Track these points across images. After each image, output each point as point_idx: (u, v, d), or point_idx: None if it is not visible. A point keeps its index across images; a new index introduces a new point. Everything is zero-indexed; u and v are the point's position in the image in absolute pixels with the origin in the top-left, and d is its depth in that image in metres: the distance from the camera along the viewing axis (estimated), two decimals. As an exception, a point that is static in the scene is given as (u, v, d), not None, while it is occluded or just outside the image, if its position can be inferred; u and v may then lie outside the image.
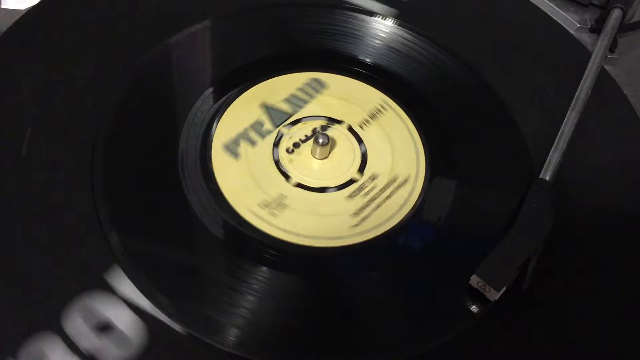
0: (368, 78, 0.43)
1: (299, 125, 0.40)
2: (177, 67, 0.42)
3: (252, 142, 0.39)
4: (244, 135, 0.39)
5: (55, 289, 0.31)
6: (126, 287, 0.32)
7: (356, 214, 0.36)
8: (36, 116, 0.37)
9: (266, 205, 0.36)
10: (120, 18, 0.44)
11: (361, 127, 0.40)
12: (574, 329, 0.33)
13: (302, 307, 0.32)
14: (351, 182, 0.38)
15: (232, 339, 0.31)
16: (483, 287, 0.32)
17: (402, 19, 0.46)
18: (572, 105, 0.42)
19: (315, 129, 0.40)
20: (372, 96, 0.42)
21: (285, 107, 0.41)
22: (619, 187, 0.39)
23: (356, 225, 0.36)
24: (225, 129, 0.39)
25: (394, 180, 0.38)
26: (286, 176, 0.38)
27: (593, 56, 0.44)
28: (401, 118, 0.41)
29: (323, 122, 0.40)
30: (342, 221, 0.36)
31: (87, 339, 0.30)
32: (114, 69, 0.40)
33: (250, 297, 0.32)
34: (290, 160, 0.38)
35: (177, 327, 0.31)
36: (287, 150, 0.39)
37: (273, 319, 0.32)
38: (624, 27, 0.48)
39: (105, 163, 0.36)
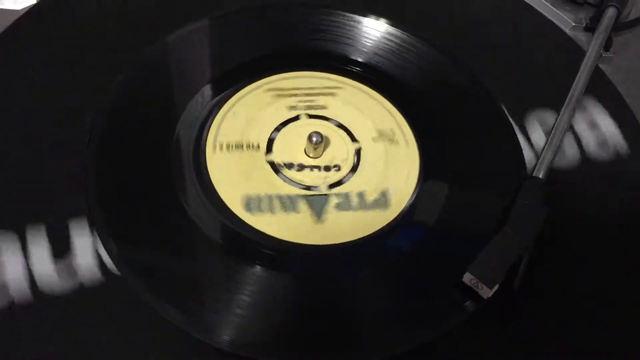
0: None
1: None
2: (179, 64, 0.43)
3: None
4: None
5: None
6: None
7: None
8: (33, 114, 0.39)
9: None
10: (117, 17, 0.45)
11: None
12: (567, 326, 0.34)
13: (290, 304, 0.34)
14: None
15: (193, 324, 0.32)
16: (476, 284, 0.33)
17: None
18: (565, 103, 0.42)
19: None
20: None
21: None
22: (613, 186, 0.40)
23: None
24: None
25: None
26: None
27: (587, 55, 0.45)
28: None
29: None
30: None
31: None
32: (110, 69, 0.41)
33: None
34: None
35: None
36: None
37: (251, 313, 0.33)
38: (619, 26, 0.48)
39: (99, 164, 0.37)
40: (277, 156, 0.39)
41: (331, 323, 0.33)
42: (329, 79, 0.43)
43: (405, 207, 0.38)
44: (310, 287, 0.34)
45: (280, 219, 0.36)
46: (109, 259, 0.33)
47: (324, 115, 0.41)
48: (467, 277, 0.33)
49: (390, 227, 0.37)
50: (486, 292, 0.33)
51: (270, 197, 0.37)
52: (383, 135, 0.41)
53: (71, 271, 0.32)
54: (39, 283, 0.32)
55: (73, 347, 0.31)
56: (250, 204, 0.37)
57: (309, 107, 0.42)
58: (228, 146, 0.39)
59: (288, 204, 0.37)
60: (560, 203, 0.38)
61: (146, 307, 0.32)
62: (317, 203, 0.37)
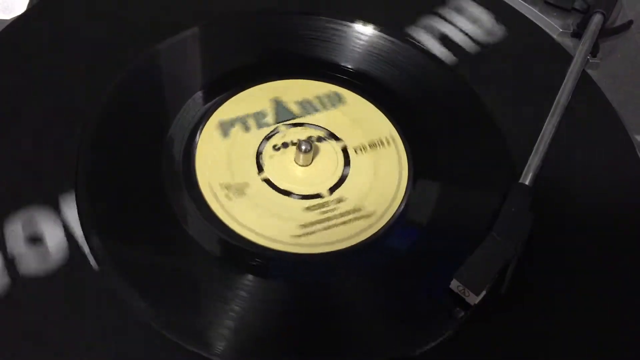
0: (384, 106, 0.43)
1: (299, 128, 0.41)
2: (172, 68, 0.44)
3: (247, 128, 0.41)
4: (242, 120, 0.41)
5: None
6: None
7: (304, 226, 0.37)
8: (23, 119, 0.39)
9: (227, 187, 0.38)
10: (107, 26, 0.44)
11: (356, 151, 0.41)
12: (555, 332, 0.34)
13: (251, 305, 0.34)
14: (317, 196, 0.38)
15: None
16: (463, 291, 0.33)
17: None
18: (552, 109, 0.42)
19: (310, 137, 0.41)
20: (383, 127, 0.42)
21: (295, 108, 0.42)
22: (601, 191, 0.40)
23: (299, 236, 0.36)
24: (229, 108, 0.41)
25: (357, 210, 0.38)
26: (260, 169, 0.39)
27: (574, 61, 0.45)
28: (399, 154, 0.41)
29: (322, 133, 0.41)
30: (288, 228, 0.37)
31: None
32: (99, 77, 0.41)
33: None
34: (271, 156, 0.40)
35: (93, 263, 0.33)
36: (274, 147, 0.40)
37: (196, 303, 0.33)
38: (605, 32, 0.49)
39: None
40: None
41: (315, 331, 0.33)
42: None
43: (393, 216, 0.38)
44: (291, 294, 0.34)
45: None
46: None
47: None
48: (454, 284, 0.33)
49: (375, 238, 0.37)
50: (473, 299, 0.33)
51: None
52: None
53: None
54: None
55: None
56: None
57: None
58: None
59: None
60: (548, 209, 0.38)
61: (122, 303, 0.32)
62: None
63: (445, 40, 0.46)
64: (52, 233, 0.34)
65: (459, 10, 0.49)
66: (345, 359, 0.33)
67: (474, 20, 0.48)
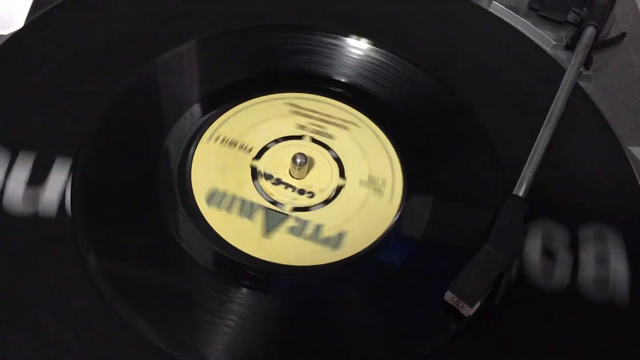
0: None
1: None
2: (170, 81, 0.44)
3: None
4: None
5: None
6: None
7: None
8: (22, 131, 0.39)
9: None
10: (104, 41, 0.45)
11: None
12: (550, 343, 0.34)
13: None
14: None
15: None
16: (457, 302, 0.34)
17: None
18: (545, 121, 0.42)
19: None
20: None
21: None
22: (594, 202, 0.40)
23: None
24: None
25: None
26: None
27: (567, 73, 0.45)
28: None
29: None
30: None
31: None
32: (98, 91, 0.41)
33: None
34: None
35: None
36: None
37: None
38: (598, 44, 0.49)
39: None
40: (262, 164, 0.40)
41: (310, 345, 0.33)
42: (347, 111, 0.44)
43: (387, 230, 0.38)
44: (286, 308, 0.35)
45: (232, 220, 0.37)
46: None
47: (326, 143, 0.42)
48: (449, 296, 0.34)
49: (331, 268, 0.36)
50: (467, 310, 0.33)
51: (233, 198, 0.38)
52: (372, 182, 0.41)
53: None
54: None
55: None
56: (214, 197, 0.38)
57: (317, 132, 0.42)
58: (223, 140, 0.41)
59: (247, 209, 0.38)
60: (542, 220, 0.38)
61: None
62: (273, 219, 0.38)
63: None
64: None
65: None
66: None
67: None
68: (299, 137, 0.42)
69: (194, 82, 0.44)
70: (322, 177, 0.40)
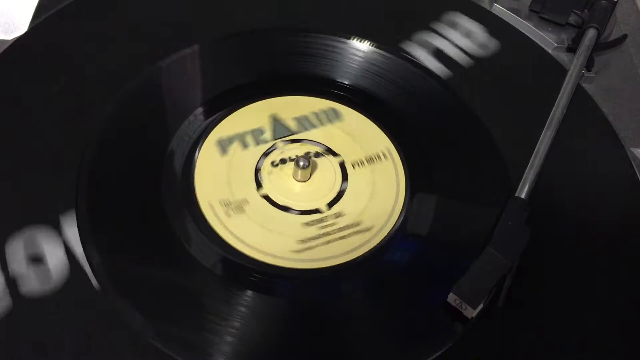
0: (380, 121, 0.44)
1: (297, 144, 0.42)
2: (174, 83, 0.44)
3: (245, 145, 0.41)
4: (240, 137, 0.41)
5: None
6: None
7: (303, 241, 0.37)
8: (27, 135, 0.39)
9: (226, 204, 0.38)
10: (107, 45, 0.45)
11: (353, 166, 0.41)
12: (553, 344, 0.34)
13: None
14: (316, 211, 0.39)
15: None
16: (460, 304, 0.34)
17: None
18: (547, 122, 0.43)
19: (308, 152, 0.41)
20: (379, 141, 0.43)
21: (293, 124, 0.43)
22: (596, 204, 0.40)
23: (298, 251, 0.37)
24: (228, 125, 0.42)
25: (356, 224, 0.39)
26: (259, 185, 0.39)
27: (568, 74, 0.45)
28: (396, 168, 0.41)
29: (320, 149, 0.42)
30: (286, 243, 0.37)
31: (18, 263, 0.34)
32: (102, 96, 0.42)
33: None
34: (270, 172, 0.40)
35: (95, 282, 0.33)
36: (273, 163, 0.40)
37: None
38: (599, 46, 0.49)
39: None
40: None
41: (315, 346, 0.33)
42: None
43: (391, 230, 0.38)
44: (291, 309, 0.35)
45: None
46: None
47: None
48: (452, 298, 0.34)
49: (374, 252, 0.37)
50: (470, 312, 0.34)
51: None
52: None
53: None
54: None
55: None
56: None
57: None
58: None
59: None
60: (545, 223, 0.38)
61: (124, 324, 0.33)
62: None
63: (440, 55, 0.47)
64: (53, 253, 0.34)
65: (454, 26, 0.49)
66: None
67: (469, 36, 0.49)
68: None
69: (198, 86, 0.44)
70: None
